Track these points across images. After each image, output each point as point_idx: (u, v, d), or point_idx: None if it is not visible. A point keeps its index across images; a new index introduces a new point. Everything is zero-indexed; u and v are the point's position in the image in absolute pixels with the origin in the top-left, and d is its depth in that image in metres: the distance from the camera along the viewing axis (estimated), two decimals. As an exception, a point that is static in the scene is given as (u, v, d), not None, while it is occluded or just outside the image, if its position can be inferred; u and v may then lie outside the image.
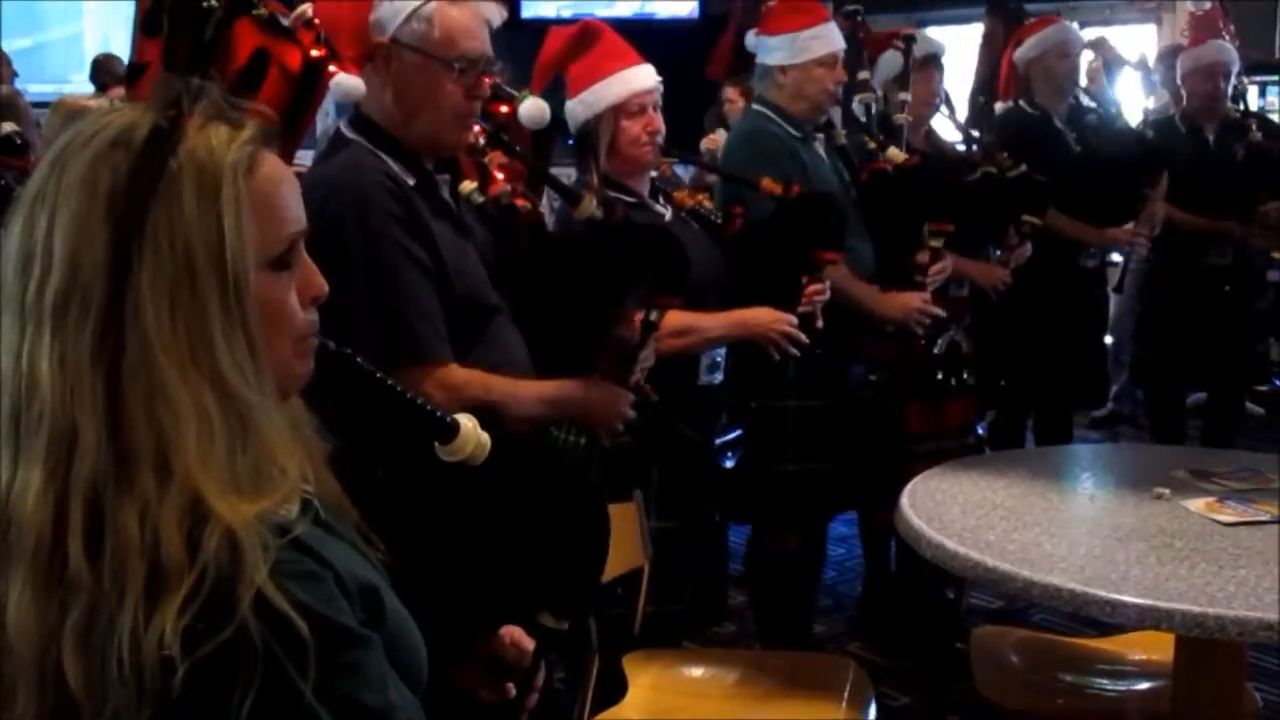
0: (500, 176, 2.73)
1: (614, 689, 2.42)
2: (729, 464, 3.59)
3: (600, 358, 2.37)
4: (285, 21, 2.21)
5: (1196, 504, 2.26)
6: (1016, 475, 2.72)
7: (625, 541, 2.37)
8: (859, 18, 4.14)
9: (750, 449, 3.58)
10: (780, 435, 3.51)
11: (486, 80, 2.31)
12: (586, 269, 2.57)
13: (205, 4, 2.17)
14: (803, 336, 3.08)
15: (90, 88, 6.91)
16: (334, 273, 1.22)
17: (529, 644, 1.57)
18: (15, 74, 6.89)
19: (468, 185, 2.50)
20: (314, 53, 2.25)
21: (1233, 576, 1.96)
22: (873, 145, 3.78)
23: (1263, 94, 6.20)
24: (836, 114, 3.93)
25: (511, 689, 1.55)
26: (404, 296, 2.18)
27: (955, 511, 2.24)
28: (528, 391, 2.30)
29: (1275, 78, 6.54)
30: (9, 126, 3.47)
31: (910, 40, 4.16)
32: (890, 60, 4.09)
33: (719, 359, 3.26)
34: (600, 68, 3.13)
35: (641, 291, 2.55)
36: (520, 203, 2.68)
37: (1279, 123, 5.49)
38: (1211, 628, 1.86)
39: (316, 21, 2.35)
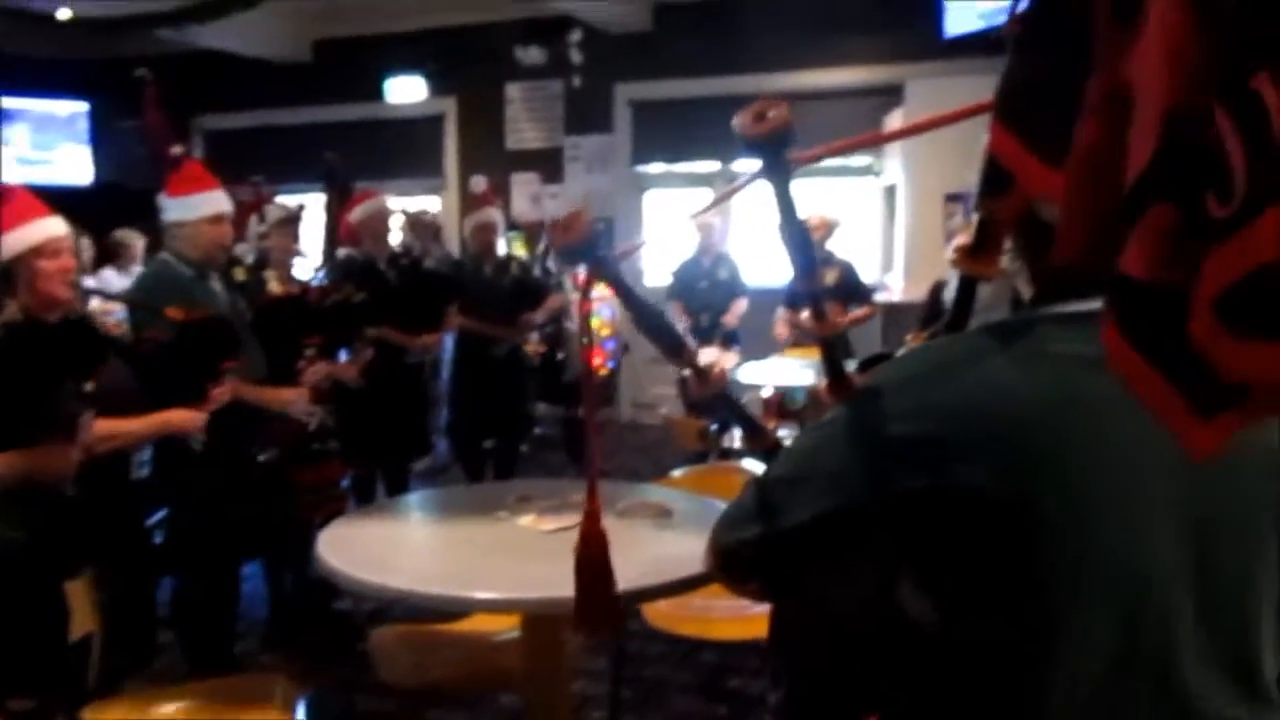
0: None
1: (76, 743, 1.95)
2: (159, 539, 3.14)
3: None
4: None
5: (526, 520, 2.22)
6: (403, 517, 2.58)
7: (80, 613, 1.92)
8: (260, 184, 3.91)
9: (175, 520, 3.13)
10: (198, 507, 3.08)
11: None
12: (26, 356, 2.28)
13: None
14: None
15: None
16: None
17: None
18: None
19: None
20: None
21: (558, 569, 1.92)
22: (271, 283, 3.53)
23: (508, 245, 6.53)
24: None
25: None
26: None
27: (360, 550, 2.01)
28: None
29: (513, 233, 6.94)
30: None
31: (301, 208, 4.02)
32: (274, 209, 3.83)
33: (145, 458, 2.87)
34: (18, 218, 2.61)
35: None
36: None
37: (529, 261, 5.81)
38: (551, 606, 1.81)
39: None
